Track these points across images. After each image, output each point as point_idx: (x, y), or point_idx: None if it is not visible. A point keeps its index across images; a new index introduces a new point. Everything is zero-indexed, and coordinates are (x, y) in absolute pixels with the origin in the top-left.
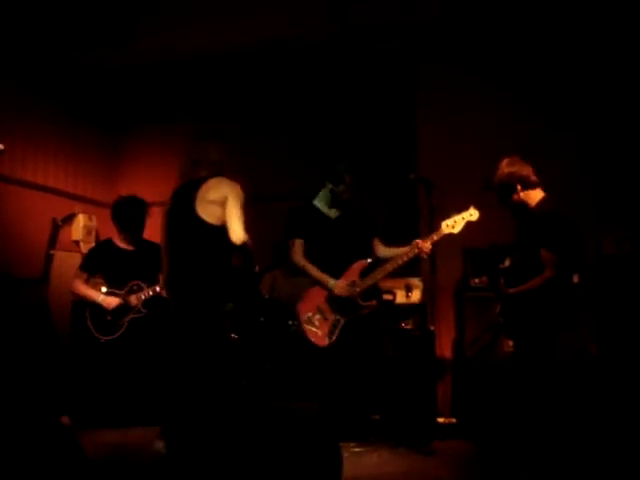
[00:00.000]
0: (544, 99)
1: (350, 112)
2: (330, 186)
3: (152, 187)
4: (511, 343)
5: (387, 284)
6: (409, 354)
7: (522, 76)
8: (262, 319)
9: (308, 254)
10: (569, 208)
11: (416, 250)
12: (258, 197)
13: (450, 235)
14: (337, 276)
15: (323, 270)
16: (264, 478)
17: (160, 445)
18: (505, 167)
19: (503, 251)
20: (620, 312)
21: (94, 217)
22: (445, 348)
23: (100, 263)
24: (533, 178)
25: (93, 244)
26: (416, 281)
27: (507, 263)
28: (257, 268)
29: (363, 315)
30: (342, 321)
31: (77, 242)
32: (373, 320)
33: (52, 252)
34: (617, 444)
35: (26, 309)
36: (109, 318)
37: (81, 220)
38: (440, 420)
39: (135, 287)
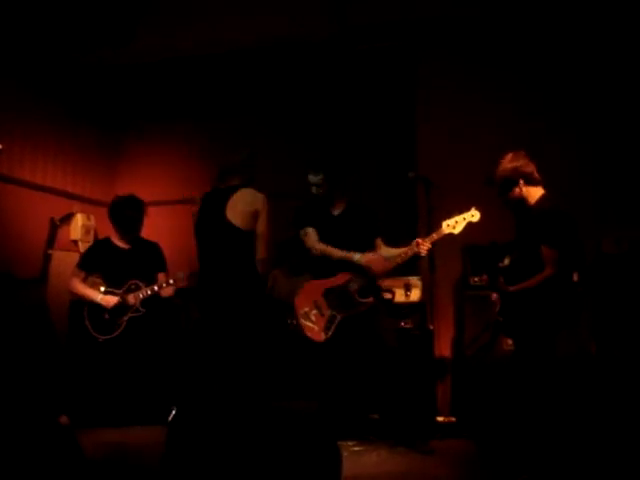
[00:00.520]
0: (544, 99)
1: (350, 111)
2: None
3: (151, 187)
4: (510, 342)
5: (386, 283)
6: (408, 353)
7: (522, 76)
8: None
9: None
10: (569, 207)
11: (415, 249)
12: None
13: (450, 235)
14: (337, 272)
15: (325, 266)
16: (264, 478)
17: None
18: (510, 161)
19: (503, 249)
20: (619, 311)
21: (92, 217)
22: (444, 347)
23: (98, 262)
24: (536, 175)
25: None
26: (415, 280)
27: (507, 261)
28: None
29: (360, 312)
30: (338, 317)
31: (75, 242)
32: (370, 317)
33: (50, 252)
34: (617, 443)
35: (25, 309)
36: (107, 317)
37: (79, 220)
38: (439, 419)
39: (133, 286)
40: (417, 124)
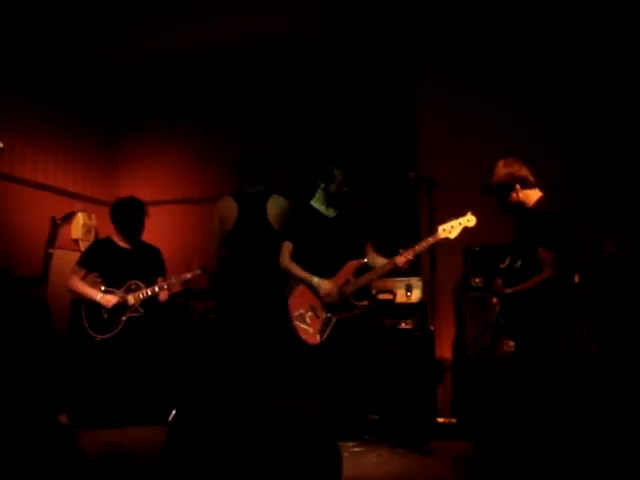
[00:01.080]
0: (544, 99)
1: (350, 111)
2: (323, 185)
3: (151, 186)
4: (511, 343)
5: (387, 284)
6: (409, 354)
7: (522, 76)
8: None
9: (305, 253)
10: (569, 208)
11: (392, 266)
12: None
13: (446, 240)
14: (333, 274)
15: (320, 268)
16: (264, 478)
17: None
18: (503, 167)
19: (502, 251)
20: (620, 312)
21: (93, 216)
22: (445, 348)
23: (98, 260)
24: (531, 178)
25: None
26: (416, 280)
27: (506, 263)
28: None
29: (355, 315)
30: (334, 320)
31: (76, 241)
32: (366, 320)
33: (51, 251)
34: (617, 444)
35: (25, 308)
36: (106, 316)
37: (80, 219)
38: (440, 420)
39: (133, 286)
40: (417, 124)
